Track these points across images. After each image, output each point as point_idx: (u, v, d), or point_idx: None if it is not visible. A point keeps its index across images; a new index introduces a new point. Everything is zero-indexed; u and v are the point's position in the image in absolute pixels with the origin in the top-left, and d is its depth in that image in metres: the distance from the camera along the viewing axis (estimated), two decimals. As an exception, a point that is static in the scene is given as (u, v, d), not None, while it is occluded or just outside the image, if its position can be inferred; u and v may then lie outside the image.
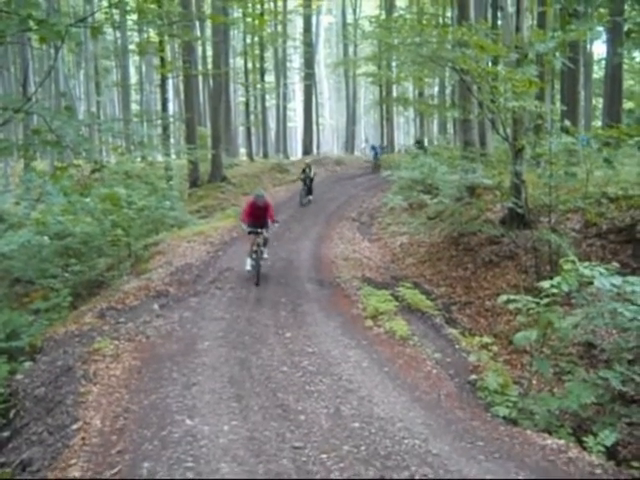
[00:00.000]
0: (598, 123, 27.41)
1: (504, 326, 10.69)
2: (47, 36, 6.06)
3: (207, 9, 32.58)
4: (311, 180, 22.01)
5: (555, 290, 6.43)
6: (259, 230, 12.11)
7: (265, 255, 12.27)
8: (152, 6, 24.14)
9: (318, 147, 43.48)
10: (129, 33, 38.12)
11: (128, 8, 29.48)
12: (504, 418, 6.27)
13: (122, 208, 14.12)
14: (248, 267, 12.16)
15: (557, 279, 6.51)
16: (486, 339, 8.91)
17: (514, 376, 8.40)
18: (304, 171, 22.11)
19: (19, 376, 7.90)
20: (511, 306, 7.04)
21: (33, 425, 6.40)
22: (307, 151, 39.18)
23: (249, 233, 12.22)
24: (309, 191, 21.98)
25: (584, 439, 5.99)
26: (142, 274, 12.50)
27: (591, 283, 6.51)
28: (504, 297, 7.12)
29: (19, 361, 8.56)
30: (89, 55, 35.29)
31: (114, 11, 31.41)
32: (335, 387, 6.57)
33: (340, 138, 66.83)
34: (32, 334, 9.79)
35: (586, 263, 6.63)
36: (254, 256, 12.05)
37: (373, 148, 31.61)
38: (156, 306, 10.35)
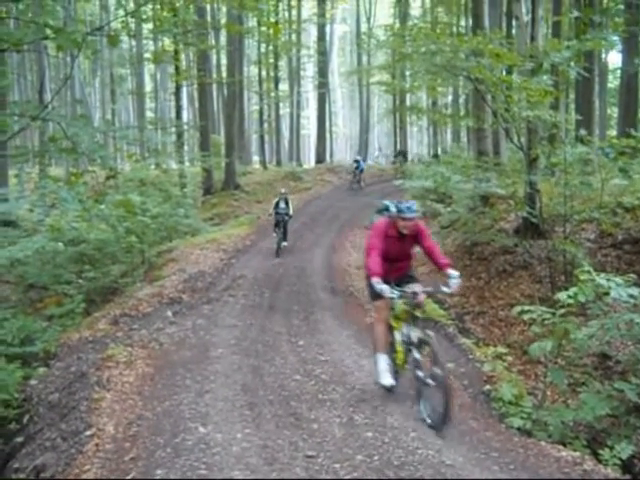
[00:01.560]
0: (613, 132, 27.24)
1: (518, 336, 10.61)
2: (64, 44, 6.13)
3: (222, 18, 32.82)
4: (287, 218, 15.72)
5: (571, 301, 6.38)
6: (412, 289, 5.88)
7: (436, 346, 5.65)
8: (168, 15, 24.36)
9: (331, 155, 43.54)
10: (144, 41, 38.49)
11: (144, 17, 29.78)
12: (518, 429, 6.20)
13: (136, 215, 14.20)
14: (388, 380, 6.17)
15: (574, 290, 6.45)
16: (500, 349, 8.82)
17: (528, 387, 8.32)
18: (277, 205, 15.73)
19: (33, 382, 7.94)
20: (525, 316, 6.99)
21: (47, 431, 6.42)
22: (320, 159, 39.26)
23: (382, 298, 5.81)
24: (284, 234, 15.62)
25: (599, 452, 5.92)
26: (155, 281, 12.55)
27: (607, 294, 6.46)
28: (519, 308, 7.08)
29: (33, 367, 8.61)
30: (105, 63, 35.69)
31: (130, 20, 31.74)
32: (348, 396, 6.53)
33: (353, 146, 66.81)
34: (46, 340, 9.84)
35: (602, 274, 6.58)
36: (413, 362, 5.96)
37: (356, 161, 28.75)
38: (169, 313, 10.39)
